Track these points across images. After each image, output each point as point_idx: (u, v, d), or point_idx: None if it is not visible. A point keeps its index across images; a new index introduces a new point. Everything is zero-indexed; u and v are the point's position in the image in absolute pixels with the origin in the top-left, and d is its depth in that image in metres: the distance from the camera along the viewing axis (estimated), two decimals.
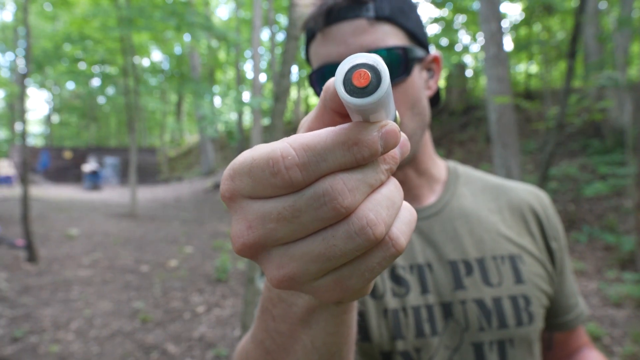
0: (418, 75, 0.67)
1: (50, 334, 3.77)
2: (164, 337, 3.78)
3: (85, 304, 4.49)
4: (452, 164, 0.82)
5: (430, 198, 0.75)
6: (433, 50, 0.73)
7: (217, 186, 15.65)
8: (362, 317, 0.65)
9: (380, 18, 0.62)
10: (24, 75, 6.15)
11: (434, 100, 0.77)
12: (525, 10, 13.26)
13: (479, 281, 0.67)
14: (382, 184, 0.26)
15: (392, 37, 0.63)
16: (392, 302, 0.66)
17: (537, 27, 14.32)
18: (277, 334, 0.40)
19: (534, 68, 17.22)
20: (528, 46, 13.63)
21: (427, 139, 0.75)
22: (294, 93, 21.21)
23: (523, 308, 0.66)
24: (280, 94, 2.99)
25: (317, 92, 0.67)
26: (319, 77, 0.65)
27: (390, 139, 0.25)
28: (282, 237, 0.25)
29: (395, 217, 0.26)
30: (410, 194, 0.73)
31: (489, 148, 10.00)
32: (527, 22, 13.55)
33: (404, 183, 0.72)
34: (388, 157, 0.27)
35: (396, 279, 0.67)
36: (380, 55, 0.58)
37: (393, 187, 0.27)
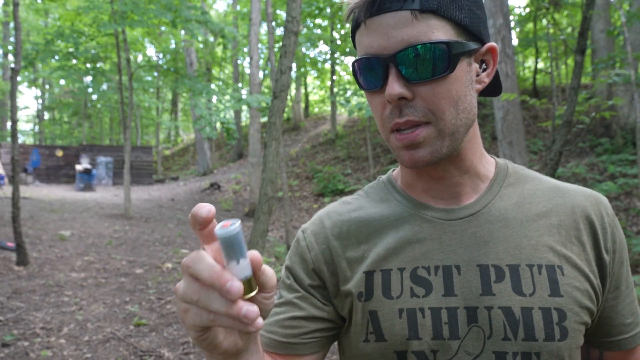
0: (465, 69, 0.65)
1: (41, 338, 3.71)
2: (159, 342, 3.74)
3: (78, 308, 4.43)
4: (503, 161, 0.79)
5: (472, 197, 0.73)
6: (489, 41, 0.70)
7: (213, 186, 15.53)
8: (375, 318, 0.67)
9: (425, 10, 0.61)
10: (15, 71, 5.95)
11: (496, 88, 0.76)
12: (531, 4, 13.20)
13: (510, 289, 0.65)
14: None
15: (437, 30, 0.62)
16: (409, 302, 0.66)
17: (544, 22, 14.24)
18: None
19: (541, 64, 17.18)
20: (535, 42, 13.59)
21: (475, 134, 0.72)
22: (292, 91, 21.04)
23: (556, 322, 0.63)
24: (278, 90, 2.96)
25: (357, 81, 0.69)
26: (358, 67, 0.67)
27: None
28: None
29: (196, 302, 0.42)
30: (450, 192, 0.72)
31: (495, 146, 9.95)
32: (533, 17, 13.50)
33: (444, 179, 0.72)
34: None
35: (417, 279, 0.68)
36: (423, 50, 0.60)
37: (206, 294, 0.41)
